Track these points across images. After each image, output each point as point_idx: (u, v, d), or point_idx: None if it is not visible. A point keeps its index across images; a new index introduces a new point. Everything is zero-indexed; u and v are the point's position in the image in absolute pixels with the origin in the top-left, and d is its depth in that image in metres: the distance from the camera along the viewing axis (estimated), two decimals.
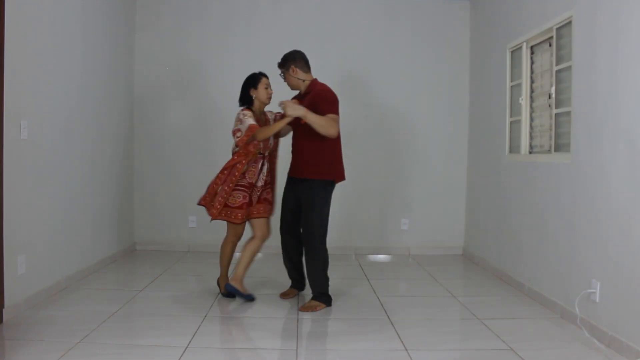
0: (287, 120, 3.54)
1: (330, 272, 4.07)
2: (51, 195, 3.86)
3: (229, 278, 3.90)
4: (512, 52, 4.63)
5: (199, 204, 3.88)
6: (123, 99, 5.36)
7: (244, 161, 3.71)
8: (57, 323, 3.25)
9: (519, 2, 4.49)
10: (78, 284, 4.17)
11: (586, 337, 3.14)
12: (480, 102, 5.44)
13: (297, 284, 4.05)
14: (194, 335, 3.11)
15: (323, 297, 3.75)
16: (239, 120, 3.70)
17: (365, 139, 5.71)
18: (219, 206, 3.74)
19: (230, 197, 3.74)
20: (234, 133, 3.72)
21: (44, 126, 3.74)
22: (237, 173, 3.72)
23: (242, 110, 3.77)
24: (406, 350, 2.95)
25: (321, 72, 5.45)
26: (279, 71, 3.89)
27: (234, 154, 3.78)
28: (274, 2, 5.70)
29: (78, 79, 4.30)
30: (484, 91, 5.33)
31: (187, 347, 2.92)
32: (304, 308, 3.66)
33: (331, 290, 3.85)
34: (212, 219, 3.82)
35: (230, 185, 3.73)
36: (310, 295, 3.83)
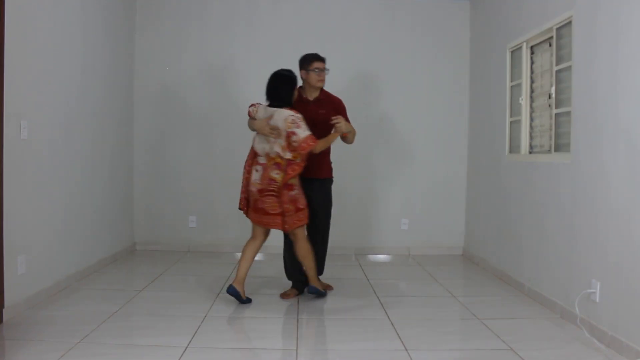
0: (338, 135, 3.86)
1: (330, 272, 4.08)
2: (51, 195, 3.86)
3: (312, 280, 3.89)
4: (512, 52, 4.63)
5: (286, 229, 3.77)
6: (123, 98, 5.36)
7: (302, 164, 3.70)
8: (57, 323, 3.25)
9: (519, 2, 4.48)
10: (78, 284, 4.17)
11: (586, 337, 3.14)
12: (480, 102, 5.44)
13: (299, 285, 4.04)
14: (194, 335, 3.11)
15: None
16: (295, 124, 3.57)
17: (365, 138, 5.70)
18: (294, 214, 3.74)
19: (301, 198, 3.78)
20: (288, 135, 3.58)
21: (44, 126, 3.74)
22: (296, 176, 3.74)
23: (295, 112, 3.64)
24: (406, 350, 2.95)
25: None
26: (321, 65, 3.95)
27: (286, 158, 3.63)
28: (274, 2, 5.70)
29: (78, 79, 4.30)
30: (484, 91, 5.33)
31: (187, 347, 2.92)
32: (329, 287, 4.15)
33: (332, 290, 3.87)
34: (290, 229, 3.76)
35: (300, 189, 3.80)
36: (308, 295, 3.87)
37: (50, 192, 3.85)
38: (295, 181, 3.73)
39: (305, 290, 4.01)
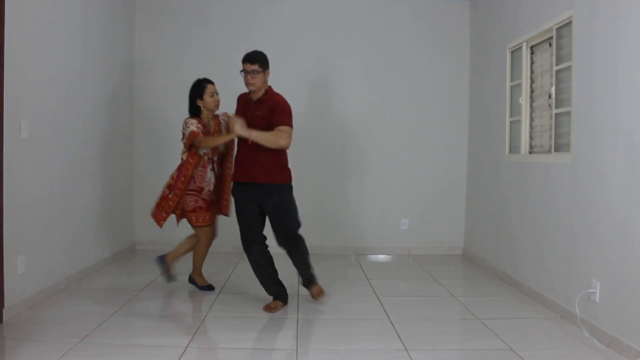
0: (232, 136, 3.60)
1: (330, 272, 4.07)
2: (51, 195, 3.86)
3: (167, 255, 4.09)
4: (512, 52, 4.63)
5: (152, 216, 4.01)
6: (123, 99, 5.35)
7: (191, 161, 3.86)
8: (57, 323, 3.25)
9: (518, 2, 4.49)
10: (78, 284, 4.17)
11: (586, 337, 3.15)
12: (480, 102, 5.45)
13: (281, 296, 3.74)
14: (194, 335, 3.11)
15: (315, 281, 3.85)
16: (185, 125, 3.89)
17: (365, 138, 5.71)
18: (166, 213, 3.91)
19: (184, 201, 3.92)
20: (181, 139, 3.94)
21: (44, 126, 3.74)
22: (182, 178, 3.86)
23: (189, 117, 3.94)
24: (406, 350, 2.95)
25: (320, 71, 5.46)
26: (248, 67, 3.68)
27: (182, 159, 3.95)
28: (274, 1, 5.70)
29: (78, 79, 4.30)
30: (484, 91, 5.33)
31: (187, 347, 2.92)
32: (318, 295, 3.79)
33: (332, 290, 3.85)
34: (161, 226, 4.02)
35: (179, 189, 3.86)
36: (308, 296, 3.86)
37: (50, 192, 3.85)
38: (183, 184, 3.87)
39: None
